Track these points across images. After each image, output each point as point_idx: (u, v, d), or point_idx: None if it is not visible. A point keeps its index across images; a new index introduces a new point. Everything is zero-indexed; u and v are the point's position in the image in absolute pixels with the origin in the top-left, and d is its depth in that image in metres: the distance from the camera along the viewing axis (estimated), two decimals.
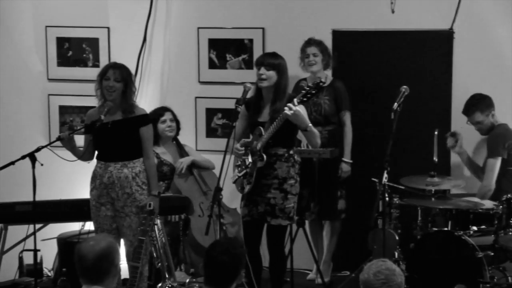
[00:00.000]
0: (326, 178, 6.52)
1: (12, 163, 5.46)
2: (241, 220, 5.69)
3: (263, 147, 5.51)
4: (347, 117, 6.59)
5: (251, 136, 5.66)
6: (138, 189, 5.58)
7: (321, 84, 5.42)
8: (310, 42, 6.60)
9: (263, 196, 5.56)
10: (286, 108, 5.36)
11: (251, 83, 5.69)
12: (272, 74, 5.56)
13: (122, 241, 5.64)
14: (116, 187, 5.55)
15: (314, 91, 5.42)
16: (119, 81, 5.55)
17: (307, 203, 6.52)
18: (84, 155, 5.65)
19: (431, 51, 6.80)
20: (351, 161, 6.60)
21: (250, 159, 5.57)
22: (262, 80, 5.55)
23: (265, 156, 5.51)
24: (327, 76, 6.62)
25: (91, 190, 5.65)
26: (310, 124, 5.50)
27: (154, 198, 5.56)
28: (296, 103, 5.38)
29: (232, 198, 6.57)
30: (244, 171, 5.60)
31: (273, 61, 5.58)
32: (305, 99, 5.42)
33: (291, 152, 5.61)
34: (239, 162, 5.67)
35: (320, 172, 6.49)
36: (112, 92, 5.55)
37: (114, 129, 5.57)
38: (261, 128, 5.55)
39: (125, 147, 5.58)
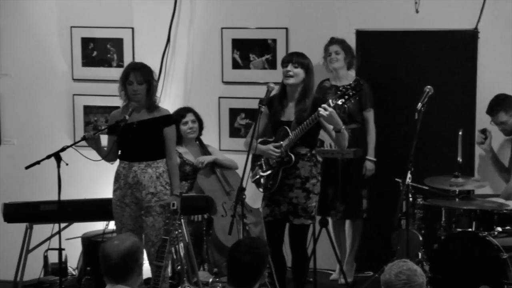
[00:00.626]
0: (350, 177, 6.51)
1: (38, 162, 5.50)
2: (263, 220, 5.69)
3: (289, 147, 5.52)
4: (370, 115, 6.58)
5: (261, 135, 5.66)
6: (162, 189, 5.60)
7: (360, 84, 5.41)
8: (332, 40, 6.61)
9: (285, 195, 5.56)
10: (321, 109, 5.34)
11: (275, 83, 5.70)
12: (299, 71, 5.56)
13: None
14: (140, 186, 5.58)
15: (353, 92, 5.39)
16: (141, 83, 5.58)
17: (332, 202, 6.52)
18: (108, 156, 5.69)
19: (455, 51, 6.76)
20: (375, 159, 6.59)
21: (274, 160, 5.57)
22: (289, 77, 5.55)
23: (293, 157, 5.52)
24: (351, 76, 6.62)
25: (115, 190, 5.67)
26: (344, 126, 5.49)
27: (176, 198, 5.58)
28: (332, 104, 5.36)
29: (255, 198, 6.57)
30: (269, 171, 5.60)
31: (301, 60, 5.59)
32: (342, 99, 5.40)
33: (313, 151, 5.61)
34: (261, 162, 5.67)
35: (344, 171, 6.49)
36: (137, 95, 5.59)
37: (139, 129, 5.60)
38: (287, 128, 5.55)
39: (149, 147, 5.61)
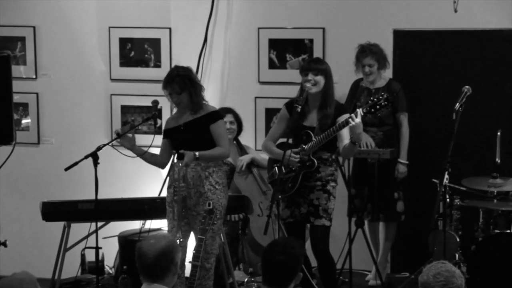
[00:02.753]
0: (382, 179, 6.47)
1: (76, 163, 5.55)
2: (283, 223, 5.66)
3: (312, 151, 5.51)
4: (403, 119, 6.53)
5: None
6: (210, 188, 5.61)
7: (394, 96, 5.37)
8: (364, 51, 6.50)
9: (305, 197, 5.57)
10: (352, 116, 5.31)
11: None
12: (320, 79, 5.56)
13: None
14: (189, 185, 5.60)
15: (384, 104, 5.35)
16: (179, 93, 5.61)
17: (364, 204, 6.50)
18: (162, 161, 5.76)
19: (494, 50, 6.70)
20: (407, 162, 6.54)
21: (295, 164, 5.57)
22: (312, 86, 5.55)
23: (316, 161, 5.51)
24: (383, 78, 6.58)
25: (168, 188, 5.71)
26: (360, 142, 5.52)
27: (190, 154, 5.54)
28: (361, 113, 5.33)
29: None
30: (290, 174, 5.58)
31: (320, 66, 5.60)
32: (373, 110, 5.37)
33: (333, 156, 5.62)
34: (279, 164, 5.60)
35: (376, 173, 6.45)
36: (179, 104, 5.64)
37: (186, 130, 5.63)
38: (310, 133, 5.54)
39: (197, 146, 5.61)
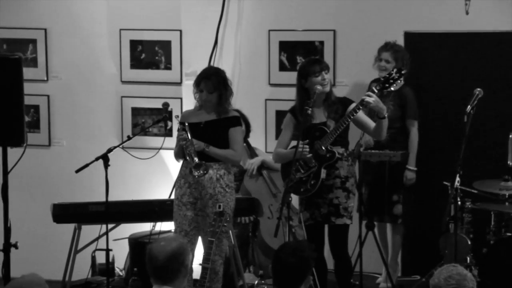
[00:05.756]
0: (382, 180, 6.42)
1: (87, 165, 5.56)
2: (303, 225, 5.65)
3: (329, 143, 5.51)
4: (413, 125, 6.51)
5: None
6: (221, 191, 5.61)
7: (402, 69, 5.39)
8: (387, 46, 6.53)
9: (325, 197, 5.55)
10: (365, 96, 5.35)
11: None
12: (329, 76, 5.66)
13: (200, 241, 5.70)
14: (200, 186, 5.60)
15: (397, 76, 5.37)
16: (212, 92, 5.60)
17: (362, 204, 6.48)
18: (179, 154, 5.70)
19: (506, 53, 6.67)
20: (415, 169, 6.52)
21: (313, 160, 5.55)
22: (326, 85, 5.57)
23: (336, 152, 5.50)
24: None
25: (176, 189, 5.71)
26: (386, 113, 5.48)
27: (201, 144, 5.53)
28: (375, 90, 5.38)
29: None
30: (311, 170, 5.57)
31: (326, 64, 5.67)
32: (387, 85, 5.40)
33: (348, 151, 5.62)
34: (296, 166, 5.58)
35: (378, 175, 6.43)
36: (207, 103, 5.63)
37: (205, 128, 5.62)
38: (323, 127, 5.54)
39: (213, 145, 5.61)
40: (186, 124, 5.59)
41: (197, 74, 5.71)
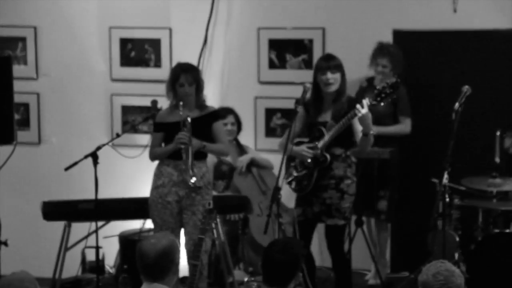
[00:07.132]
0: (369, 175, 6.42)
1: (76, 163, 5.56)
2: (296, 220, 5.67)
3: (325, 147, 5.52)
4: (407, 123, 6.52)
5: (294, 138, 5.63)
6: (204, 188, 5.63)
7: (398, 82, 5.37)
8: (383, 51, 6.49)
9: (319, 196, 5.56)
10: (358, 107, 5.33)
11: (311, 83, 5.70)
12: (337, 76, 5.55)
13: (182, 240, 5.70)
14: (185, 185, 5.62)
15: (390, 91, 5.36)
16: (191, 84, 5.63)
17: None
18: (163, 156, 5.70)
19: (494, 50, 6.71)
20: (373, 132, 6.27)
21: (309, 160, 5.57)
22: (331, 85, 5.54)
23: (328, 157, 5.51)
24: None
25: (156, 188, 5.68)
26: (372, 132, 5.45)
27: (198, 142, 5.55)
28: (368, 103, 5.34)
29: (290, 197, 6.54)
30: (304, 171, 5.60)
31: (336, 63, 5.58)
32: (378, 98, 5.37)
33: (348, 153, 5.60)
34: (295, 162, 5.65)
35: (365, 172, 6.44)
36: (189, 97, 5.63)
37: (192, 126, 5.62)
38: (322, 129, 5.55)
39: None
40: (189, 120, 5.60)
41: (170, 73, 5.71)
